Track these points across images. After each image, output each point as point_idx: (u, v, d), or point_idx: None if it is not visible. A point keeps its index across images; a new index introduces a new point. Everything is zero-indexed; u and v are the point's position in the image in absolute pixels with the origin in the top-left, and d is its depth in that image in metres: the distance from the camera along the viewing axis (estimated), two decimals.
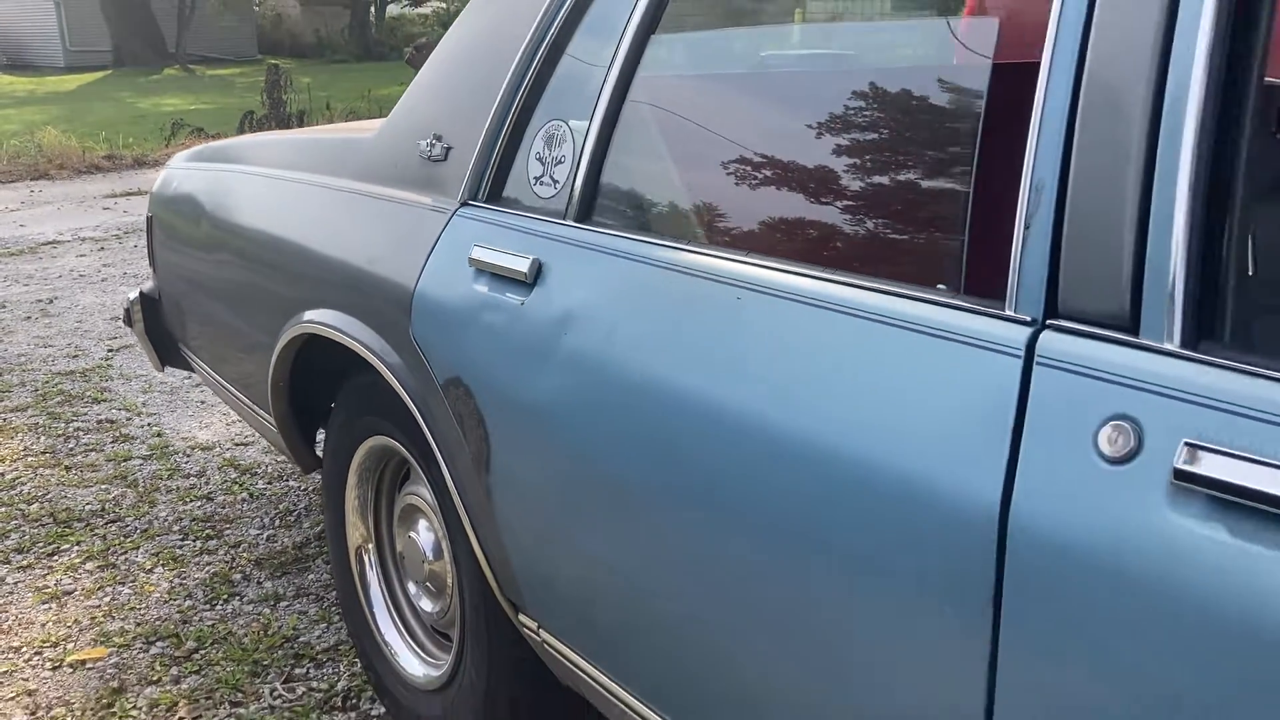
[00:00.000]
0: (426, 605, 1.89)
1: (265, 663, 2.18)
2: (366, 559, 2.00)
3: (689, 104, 1.37)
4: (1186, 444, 0.75)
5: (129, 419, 3.55)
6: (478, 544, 1.52)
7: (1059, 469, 0.82)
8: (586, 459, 1.28)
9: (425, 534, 1.84)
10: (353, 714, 2.03)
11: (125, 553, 2.64)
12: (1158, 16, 0.83)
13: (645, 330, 1.21)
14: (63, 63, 23.73)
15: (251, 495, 2.97)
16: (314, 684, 2.11)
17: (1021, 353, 0.87)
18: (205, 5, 24.69)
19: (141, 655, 2.22)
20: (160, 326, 2.65)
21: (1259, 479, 0.71)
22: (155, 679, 2.14)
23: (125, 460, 3.21)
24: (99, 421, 3.53)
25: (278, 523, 2.80)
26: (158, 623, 2.33)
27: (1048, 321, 0.87)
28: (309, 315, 1.81)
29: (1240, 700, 0.72)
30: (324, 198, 1.87)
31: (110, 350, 4.32)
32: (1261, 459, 0.72)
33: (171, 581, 2.51)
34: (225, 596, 2.44)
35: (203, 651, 2.22)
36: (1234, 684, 0.72)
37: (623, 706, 1.36)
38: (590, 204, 1.36)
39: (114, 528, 2.78)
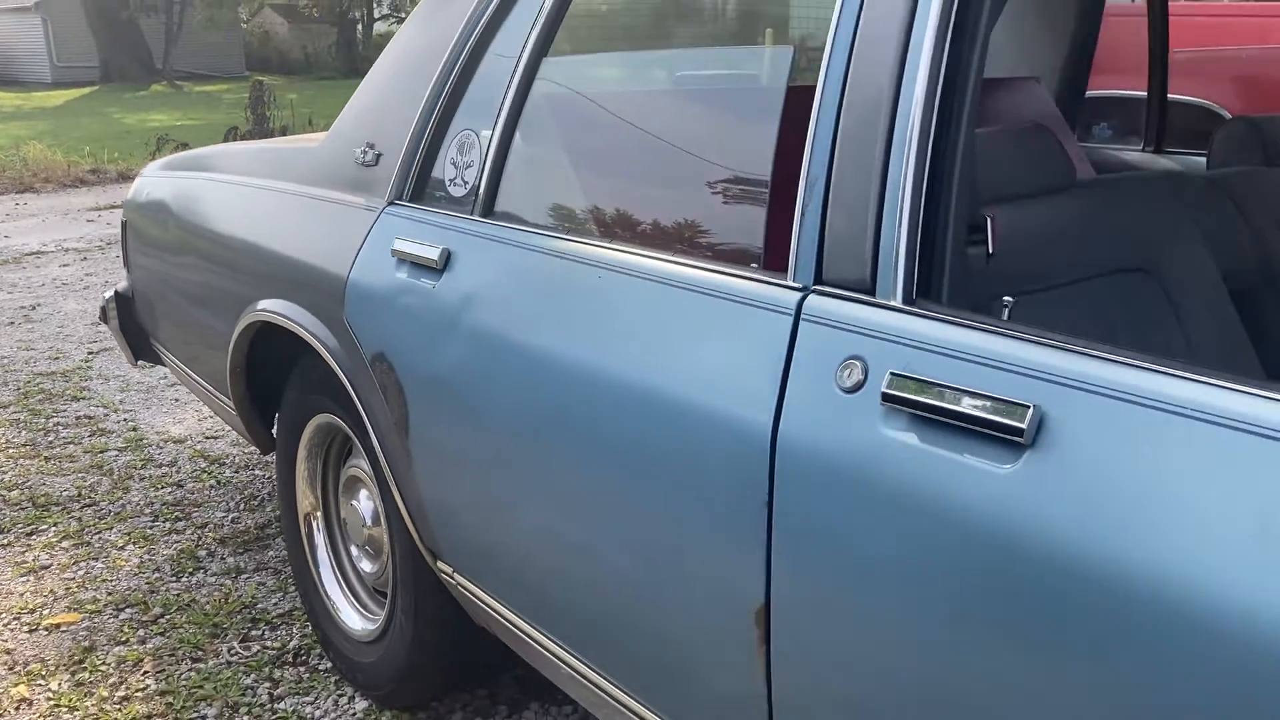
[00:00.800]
0: (366, 566, 2.11)
1: (224, 625, 2.39)
2: (315, 525, 2.21)
3: (570, 119, 1.61)
4: (891, 373, 0.98)
5: (106, 415, 3.76)
6: (401, 500, 1.74)
7: (812, 400, 1.05)
8: (486, 418, 1.51)
9: (365, 502, 2.06)
10: (302, 668, 2.24)
11: (99, 532, 2.85)
12: (893, 62, 1.07)
13: (531, 305, 1.44)
14: (50, 78, 23.93)
15: (219, 482, 3.18)
16: (268, 643, 2.32)
17: (793, 312, 1.10)
18: (193, 22, 24.94)
19: (111, 620, 2.42)
20: (133, 323, 2.86)
21: (941, 398, 0.95)
22: (124, 640, 2.34)
23: (101, 452, 3.42)
24: (77, 418, 3.74)
25: (242, 506, 3.01)
26: (127, 592, 2.54)
27: (814, 287, 1.11)
28: (261, 304, 2.03)
29: (930, 565, 0.95)
30: (276, 200, 2.09)
31: (90, 353, 4.52)
32: (943, 383, 0.95)
33: (141, 557, 2.72)
34: (190, 570, 2.65)
35: (168, 616, 2.43)
36: (928, 552, 0.95)
37: (525, 637, 1.58)
38: (492, 201, 1.59)
39: (89, 511, 2.98)
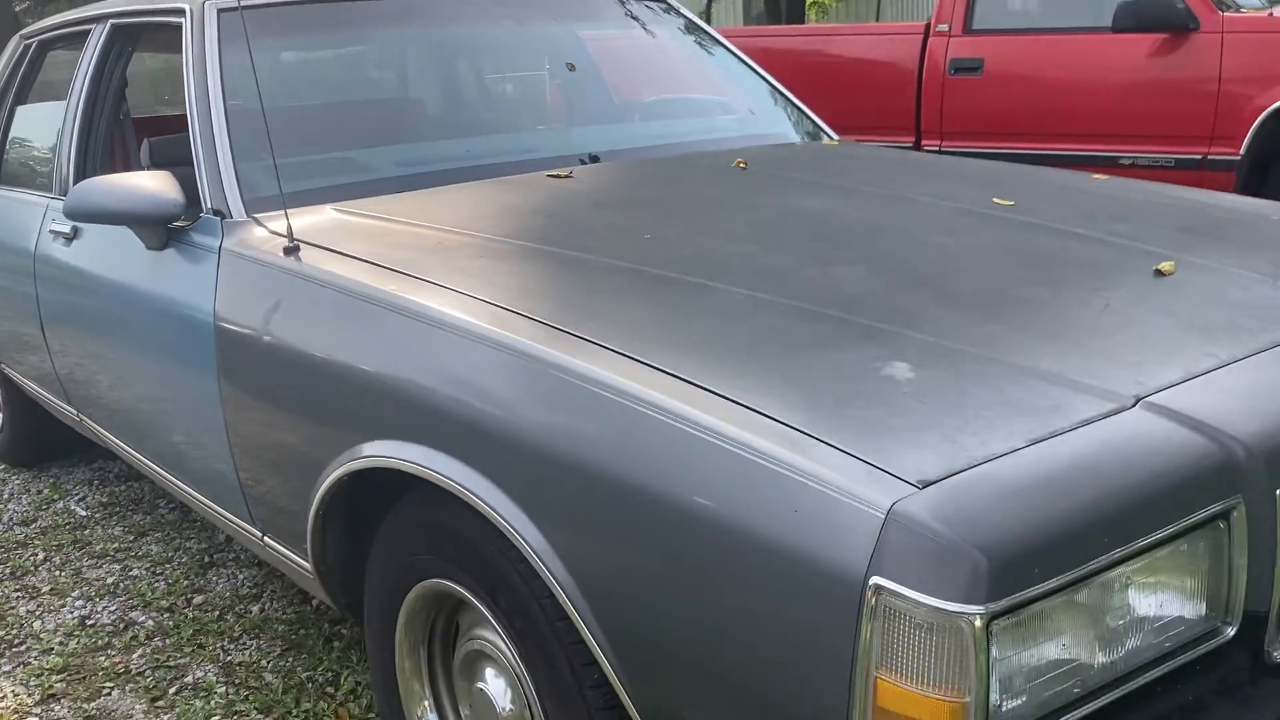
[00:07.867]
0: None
1: None
2: None
3: (22, 135, 3.25)
4: (54, 229, 2.63)
5: None
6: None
7: (45, 240, 2.70)
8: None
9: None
10: None
11: None
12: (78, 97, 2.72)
13: (9, 227, 3.07)
14: None
15: None
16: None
17: (44, 212, 2.75)
18: None
19: None
20: None
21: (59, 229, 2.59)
22: None
23: None
24: None
25: None
26: None
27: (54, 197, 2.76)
28: None
29: (97, 308, 2.59)
30: None
31: None
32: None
33: None
34: None
35: None
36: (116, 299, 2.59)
37: (37, 392, 3.19)
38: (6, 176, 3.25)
39: None
